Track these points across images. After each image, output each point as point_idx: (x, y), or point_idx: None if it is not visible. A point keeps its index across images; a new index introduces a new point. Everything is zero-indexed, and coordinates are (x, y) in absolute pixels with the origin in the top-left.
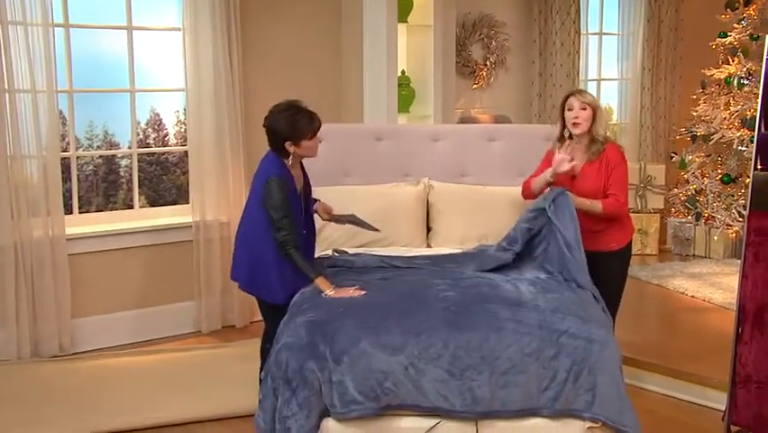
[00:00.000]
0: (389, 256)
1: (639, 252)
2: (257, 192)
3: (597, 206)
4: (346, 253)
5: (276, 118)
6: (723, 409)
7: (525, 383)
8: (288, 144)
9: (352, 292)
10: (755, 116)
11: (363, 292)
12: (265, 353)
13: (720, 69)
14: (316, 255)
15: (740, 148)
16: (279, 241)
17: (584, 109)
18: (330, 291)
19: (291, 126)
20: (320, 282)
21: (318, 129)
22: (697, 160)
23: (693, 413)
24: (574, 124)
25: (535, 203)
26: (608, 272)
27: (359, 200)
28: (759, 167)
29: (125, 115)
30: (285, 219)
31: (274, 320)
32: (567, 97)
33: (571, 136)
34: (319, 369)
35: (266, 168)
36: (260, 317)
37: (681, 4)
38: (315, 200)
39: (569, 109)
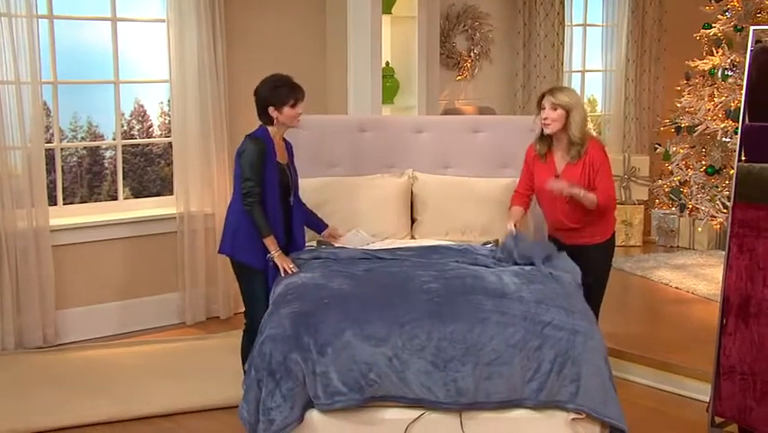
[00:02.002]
0: (373, 249)
1: (623, 243)
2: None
3: (591, 197)
4: (331, 245)
5: (261, 85)
6: (707, 400)
7: (509, 375)
8: (271, 110)
9: (290, 267)
10: (740, 108)
11: (297, 270)
12: (245, 347)
13: (704, 61)
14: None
15: (724, 139)
16: (244, 192)
17: (555, 110)
18: (275, 253)
19: (273, 92)
20: (269, 242)
21: (300, 99)
22: (681, 151)
23: (677, 404)
24: (544, 123)
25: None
26: (593, 264)
27: (343, 191)
28: (743, 158)
29: (110, 107)
30: (253, 173)
31: (249, 288)
32: (542, 96)
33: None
34: (303, 360)
35: (250, 134)
36: (244, 309)
37: None
38: (326, 225)
39: (542, 108)
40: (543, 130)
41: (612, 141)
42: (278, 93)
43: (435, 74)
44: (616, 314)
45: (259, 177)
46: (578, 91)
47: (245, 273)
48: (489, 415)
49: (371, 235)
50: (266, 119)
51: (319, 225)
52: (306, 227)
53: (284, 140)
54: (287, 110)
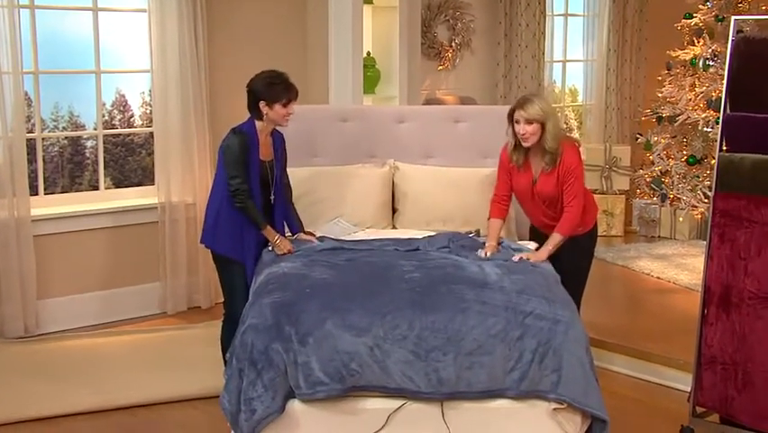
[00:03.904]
0: (352, 240)
1: (605, 233)
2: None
3: (557, 240)
4: (312, 235)
5: (256, 79)
6: (688, 390)
7: (490, 364)
8: (262, 105)
9: (291, 249)
10: (721, 97)
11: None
12: (225, 337)
13: (686, 51)
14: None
15: (705, 129)
16: (232, 190)
17: (530, 123)
18: (276, 240)
19: (268, 88)
20: (267, 232)
21: (292, 99)
22: (662, 141)
23: (659, 394)
24: (522, 138)
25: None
26: (574, 255)
27: (324, 181)
28: (724, 148)
29: (91, 97)
30: (238, 170)
31: (228, 279)
32: (513, 110)
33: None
34: (284, 350)
35: (235, 127)
36: (224, 299)
37: None
38: (300, 228)
39: (516, 122)
40: (515, 142)
41: (593, 131)
42: (272, 89)
43: (417, 64)
44: (597, 304)
45: (244, 172)
46: (559, 82)
47: (225, 264)
48: (470, 405)
49: (353, 225)
50: (256, 113)
51: (293, 226)
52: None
53: (273, 133)
54: (278, 107)
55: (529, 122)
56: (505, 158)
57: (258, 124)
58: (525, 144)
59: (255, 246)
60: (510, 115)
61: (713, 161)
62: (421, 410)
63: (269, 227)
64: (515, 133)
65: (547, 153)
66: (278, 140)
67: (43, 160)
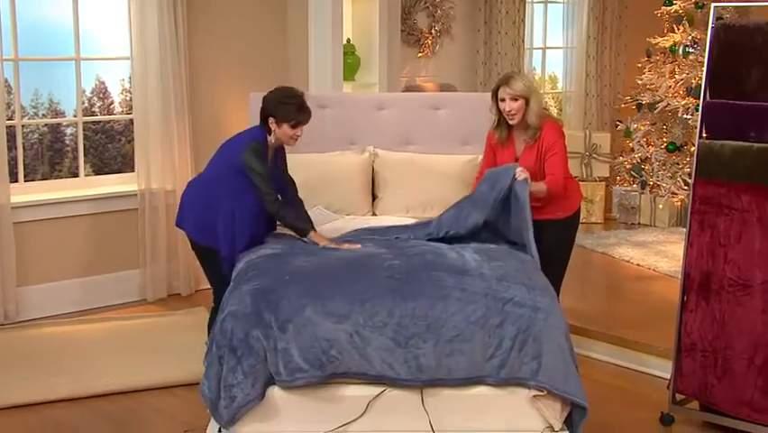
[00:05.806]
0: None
1: (584, 220)
2: (227, 154)
3: (541, 187)
4: None
5: (271, 94)
6: (668, 377)
7: (470, 352)
8: (270, 121)
9: (347, 246)
10: (701, 85)
11: (358, 246)
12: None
13: (665, 38)
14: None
15: (685, 116)
16: (269, 208)
17: (515, 100)
18: (324, 243)
19: (280, 106)
20: (314, 237)
21: (303, 122)
22: (642, 128)
23: (639, 381)
24: (509, 116)
25: (482, 193)
26: (553, 240)
27: (304, 168)
28: (704, 135)
29: (71, 84)
30: (266, 184)
31: (213, 268)
32: (498, 87)
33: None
34: (264, 337)
35: (249, 134)
36: (206, 286)
37: None
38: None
39: (501, 100)
40: (498, 120)
41: (573, 118)
42: (284, 108)
43: (396, 51)
44: (577, 291)
45: (270, 182)
46: (539, 69)
47: (207, 255)
48: (450, 392)
49: (333, 213)
50: (265, 128)
51: None
52: None
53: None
54: (285, 127)
55: (514, 98)
56: (491, 137)
57: (269, 138)
58: (511, 122)
59: (229, 235)
60: (495, 93)
61: (693, 148)
62: (401, 397)
63: (313, 232)
64: (499, 111)
65: (530, 129)
66: (279, 149)
67: (23, 147)
